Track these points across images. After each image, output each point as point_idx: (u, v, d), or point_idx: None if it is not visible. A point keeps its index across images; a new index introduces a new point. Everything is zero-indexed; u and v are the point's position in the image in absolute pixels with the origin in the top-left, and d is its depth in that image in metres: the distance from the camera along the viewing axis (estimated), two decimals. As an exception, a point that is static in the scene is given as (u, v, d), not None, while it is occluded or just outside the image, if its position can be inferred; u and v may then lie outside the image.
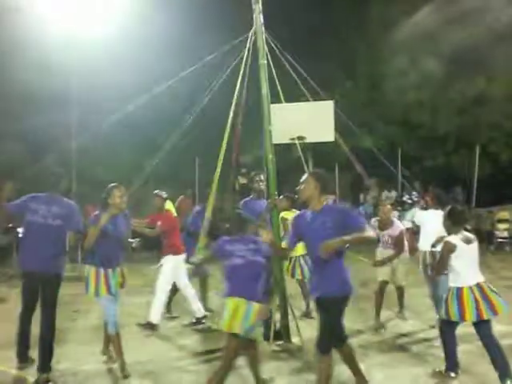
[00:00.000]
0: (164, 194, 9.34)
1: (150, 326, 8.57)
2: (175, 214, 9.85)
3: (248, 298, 5.65)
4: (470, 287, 6.22)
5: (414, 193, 20.35)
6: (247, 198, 8.08)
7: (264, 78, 7.73)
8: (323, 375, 5.39)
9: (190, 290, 9.19)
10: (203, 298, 9.80)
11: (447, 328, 6.45)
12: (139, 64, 20.60)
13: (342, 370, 5.97)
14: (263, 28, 7.78)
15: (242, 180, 17.34)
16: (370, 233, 5.36)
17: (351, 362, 5.70)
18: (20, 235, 15.96)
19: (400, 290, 9.40)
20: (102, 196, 6.78)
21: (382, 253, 9.15)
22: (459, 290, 6.24)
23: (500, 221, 18.42)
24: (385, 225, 9.15)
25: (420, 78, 23.40)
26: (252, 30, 7.75)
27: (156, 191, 9.36)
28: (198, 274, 9.84)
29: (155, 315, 8.68)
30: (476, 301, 6.13)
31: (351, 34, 23.59)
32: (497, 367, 6.08)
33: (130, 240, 7.35)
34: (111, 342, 6.91)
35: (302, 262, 9.06)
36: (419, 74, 23.38)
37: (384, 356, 7.29)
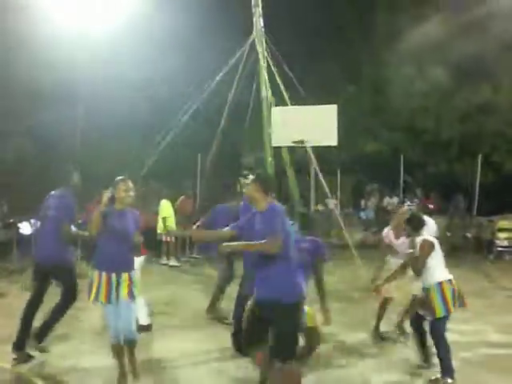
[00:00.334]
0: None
1: (145, 328, 8.43)
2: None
3: None
4: (448, 280, 6.59)
5: (416, 199, 20.35)
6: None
7: (264, 80, 7.75)
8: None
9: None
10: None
11: (437, 329, 6.55)
12: (145, 60, 20.66)
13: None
14: (263, 31, 7.80)
15: (243, 181, 17.30)
16: (270, 244, 5.18)
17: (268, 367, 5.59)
18: (20, 230, 16.09)
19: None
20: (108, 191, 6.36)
21: (397, 263, 7.67)
22: (439, 284, 6.53)
23: (500, 230, 18.38)
24: (400, 231, 7.98)
25: (425, 85, 23.42)
26: (252, 35, 7.77)
27: None
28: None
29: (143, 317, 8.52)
30: (453, 292, 6.52)
31: (356, 39, 23.62)
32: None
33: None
34: (113, 352, 6.34)
35: None
36: (424, 80, 23.41)
37: (380, 359, 7.28)
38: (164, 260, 15.63)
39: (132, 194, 6.27)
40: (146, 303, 8.46)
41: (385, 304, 8.32)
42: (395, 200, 21.60)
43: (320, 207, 21.24)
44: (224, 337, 7.92)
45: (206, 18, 20.52)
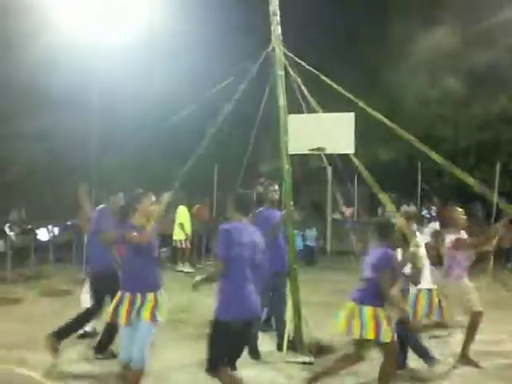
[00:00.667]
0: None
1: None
2: None
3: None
4: (428, 290, 7.07)
5: (433, 207, 20.24)
6: (261, 208, 8.01)
7: (281, 89, 7.74)
8: None
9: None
10: None
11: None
12: (157, 67, 20.76)
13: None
14: (281, 39, 7.79)
15: (260, 189, 17.33)
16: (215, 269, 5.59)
17: None
18: (38, 236, 16.21)
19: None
20: (123, 203, 6.29)
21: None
22: (429, 291, 7.03)
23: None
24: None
25: (441, 93, 23.37)
26: (271, 44, 7.76)
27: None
28: None
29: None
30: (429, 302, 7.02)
31: (372, 48, 23.59)
32: None
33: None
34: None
35: None
36: (440, 89, 23.35)
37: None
38: (180, 266, 15.65)
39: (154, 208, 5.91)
40: None
41: None
42: (412, 208, 21.50)
43: (336, 216, 21.22)
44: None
45: (225, 28, 20.65)
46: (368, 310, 5.75)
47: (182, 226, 15.47)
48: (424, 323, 7.62)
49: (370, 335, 5.72)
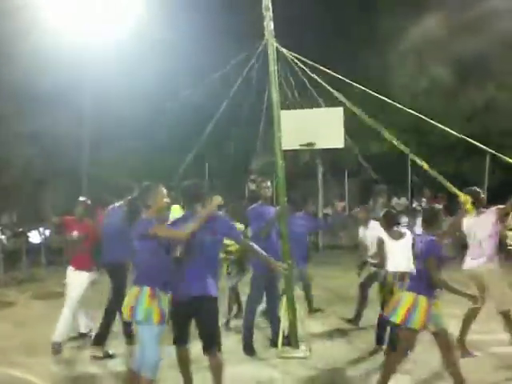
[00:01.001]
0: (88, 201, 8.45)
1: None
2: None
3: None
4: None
5: (424, 199, 20.27)
6: (254, 204, 8.01)
7: (274, 84, 7.72)
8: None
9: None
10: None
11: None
12: (151, 66, 20.71)
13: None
14: (273, 35, 7.79)
15: (252, 186, 17.32)
16: None
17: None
18: (30, 239, 16.16)
19: None
20: (128, 196, 6.11)
21: None
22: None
23: (511, 229, 18.26)
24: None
25: (429, 85, 23.42)
26: (264, 40, 7.75)
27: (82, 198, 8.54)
28: None
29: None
30: None
31: (360, 40, 23.63)
32: None
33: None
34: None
35: None
36: (428, 80, 23.40)
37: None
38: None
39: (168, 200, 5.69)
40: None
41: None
42: (403, 200, 21.54)
43: (327, 210, 21.23)
44: (234, 341, 7.94)
45: (216, 25, 20.65)
46: (422, 301, 5.79)
47: None
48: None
49: (418, 325, 5.79)
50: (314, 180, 21.13)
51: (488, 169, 20.11)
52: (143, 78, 20.09)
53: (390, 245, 7.54)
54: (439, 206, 17.48)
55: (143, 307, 5.20)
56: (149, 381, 5.24)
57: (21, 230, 16.21)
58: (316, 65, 7.97)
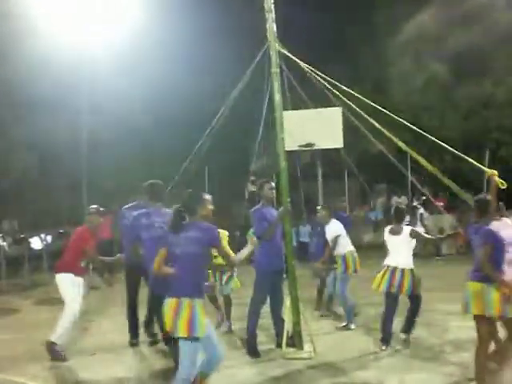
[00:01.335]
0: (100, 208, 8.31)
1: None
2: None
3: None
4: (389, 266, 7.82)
5: (423, 197, 20.27)
6: (257, 206, 7.99)
7: (277, 86, 7.73)
8: None
9: None
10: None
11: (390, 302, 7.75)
12: (150, 72, 20.74)
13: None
14: (276, 36, 7.81)
15: (252, 188, 17.37)
16: None
17: None
18: (31, 245, 16.18)
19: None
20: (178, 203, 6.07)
21: None
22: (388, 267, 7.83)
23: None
24: None
25: (426, 82, 23.45)
26: (267, 42, 7.78)
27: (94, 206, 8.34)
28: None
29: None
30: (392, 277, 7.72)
31: (356, 39, 23.67)
32: None
33: None
34: None
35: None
36: (425, 77, 23.43)
37: (395, 361, 7.26)
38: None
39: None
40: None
41: None
42: (403, 199, 21.57)
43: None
44: (238, 343, 7.97)
45: (216, 25, 20.70)
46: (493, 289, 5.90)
47: None
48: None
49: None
50: (313, 181, 21.13)
51: (487, 166, 20.10)
52: (142, 80, 20.13)
53: (391, 240, 7.94)
54: (441, 204, 17.57)
55: (202, 322, 5.20)
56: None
57: (22, 236, 16.21)
58: (317, 72, 8.00)
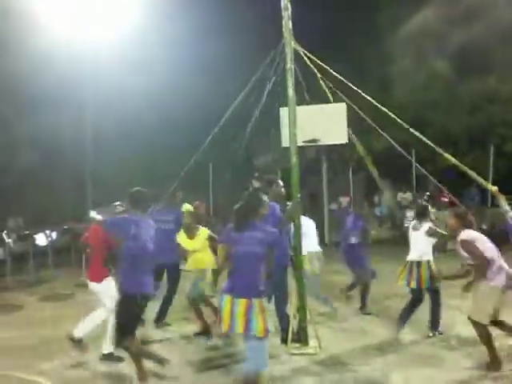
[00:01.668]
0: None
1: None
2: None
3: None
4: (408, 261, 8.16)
5: (427, 193, 20.24)
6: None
7: (291, 82, 7.76)
8: None
9: None
10: None
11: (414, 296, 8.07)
12: (153, 69, 20.73)
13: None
14: (292, 34, 7.87)
15: (256, 183, 17.36)
16: None
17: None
18: (36, 242, 16.16)
19: None
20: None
21: None
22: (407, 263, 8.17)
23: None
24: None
25: (430, 78, 23.41)
26: (283, 39, 7.84)
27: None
28: None
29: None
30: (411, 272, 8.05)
31: (360, 35, 23.63)
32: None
33: None
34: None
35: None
36: (429, 73, 23.39)
37: (399, 357, 7.26)
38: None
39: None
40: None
41: None
42: (408, 195, 21.54)
43: (333, 206, 21.23)
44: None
45: (220, 26, 20.73)
46: None
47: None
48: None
49: None
50: (318, 176, 21.13)
51: (492, 161, 20.10)
52: (145, 77, 20.11)
53: (412, 235, 8.25)
54: (445, 200, 17.53)
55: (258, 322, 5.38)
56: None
57: (27, 232, 16.20)
58: (325, 66, 8.03)
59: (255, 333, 5.34)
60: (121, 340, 6.28)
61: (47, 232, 16.29)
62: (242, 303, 5.35)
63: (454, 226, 6.83)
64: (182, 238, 8.71)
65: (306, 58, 8.10)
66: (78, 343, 7.40)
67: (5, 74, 17.83)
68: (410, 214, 18.01)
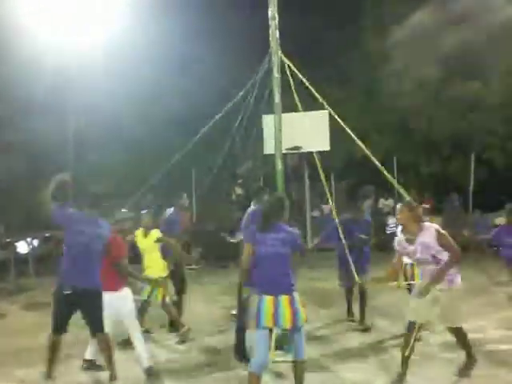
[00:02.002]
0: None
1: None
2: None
3: None
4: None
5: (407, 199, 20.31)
6: (254, 209, 7.90)
7: (277, 90, 7.81)
8: None
9: None
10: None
11: None
12: (137, 72, 20.70)
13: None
14: (279, 43, 7.92)
15: (238, 190, 17.40)
16: None
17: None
18: (18, 250, 16.04)
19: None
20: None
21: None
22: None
23: (497, 226, 18.35)
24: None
25: (414, 85, 23.54)
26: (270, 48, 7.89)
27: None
28: None
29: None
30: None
31: (345, 41, 23.74)
32: None
33: None
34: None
35: None
36: (413, 80, 23.52)
37: (381, 361, 7.28)
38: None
39: None
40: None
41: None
42: (390, 202, 21.62)
43: (315, 213, 21.27)
44: (226, 346, 7.98)
45: (205, 30, 20.74)
46: None
47: None
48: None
49: None
50: (301, 182, 21.18)
51: (473, 168, 20.27)
52: (131, 81, 20.08)
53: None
54: (426, 206, 17.61)
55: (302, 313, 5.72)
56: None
57: (8, 240, 16.07)
58: (301, 76, 8.07)
59: (302, 323, 5.72)
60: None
61: (28, 240, 16.19)
62: (285, 299, 5.64)
63: (403, 218, 6.58)
64: (138, 234, 8.82)
65: (290, 67, 8.14)
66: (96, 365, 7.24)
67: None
68: (391, 220, 18.11)
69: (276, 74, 7.86)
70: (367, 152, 7.97)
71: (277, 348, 7.53)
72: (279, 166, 7.67)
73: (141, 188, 8.36)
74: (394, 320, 8.93)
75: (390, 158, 20.83)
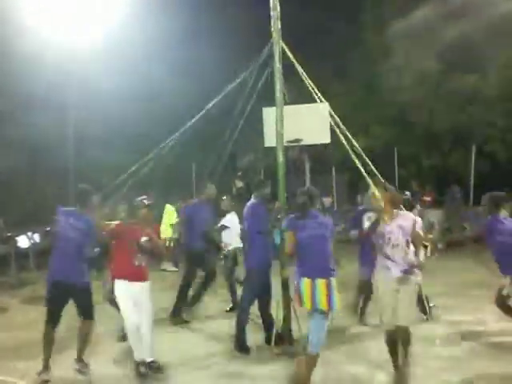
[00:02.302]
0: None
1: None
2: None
3: None
4: None
5: (407, 192, 20.32)
6: (254, 202, 7.88)
7: (279, 81, 7.77)
8: None
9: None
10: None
11: None
12: (136, 69, 20.69)
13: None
14: (280, 34, 7.89)
15: (238, 183, 17.38)
16: None
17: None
18: (18, 244, 16.01)
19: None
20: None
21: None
22: None
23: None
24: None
25: (413, 78, 23.52)
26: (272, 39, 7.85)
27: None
28: None
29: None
30: None
31: (345, 34, 23.72)
32: None
33: None
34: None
35: None
36: (413, 73, 23.51)
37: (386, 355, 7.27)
38: (163, 265, 15.53)
39: None
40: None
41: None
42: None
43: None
44: (224, 338, 8.00)
45: (204, 28, 20.74)
46: None
47: (173, 226, 15.06)
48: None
49: None
50: (301, 176, 21.16)
51: (474, 160, 20.24)
52: (131, 78, 20.07)
53: None
54: (428, 199, 17.64)
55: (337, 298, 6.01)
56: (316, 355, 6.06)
57: (9, 234, 16.04)
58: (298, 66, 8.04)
59: (336, 307, 6.04)
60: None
61: (29, 234, 16.15)
62: (322, 283, 5.95)
63: (382, 200, 6.31)
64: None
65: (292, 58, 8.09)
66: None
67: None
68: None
69: (278, 64, 7.80)
70: (358, 148, 7.82)
71: (277, 340, 7.58)
72: (280, 158, 7.63)
73: (134, 182, 8.29)
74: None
75: (391, 150, 20.85)
